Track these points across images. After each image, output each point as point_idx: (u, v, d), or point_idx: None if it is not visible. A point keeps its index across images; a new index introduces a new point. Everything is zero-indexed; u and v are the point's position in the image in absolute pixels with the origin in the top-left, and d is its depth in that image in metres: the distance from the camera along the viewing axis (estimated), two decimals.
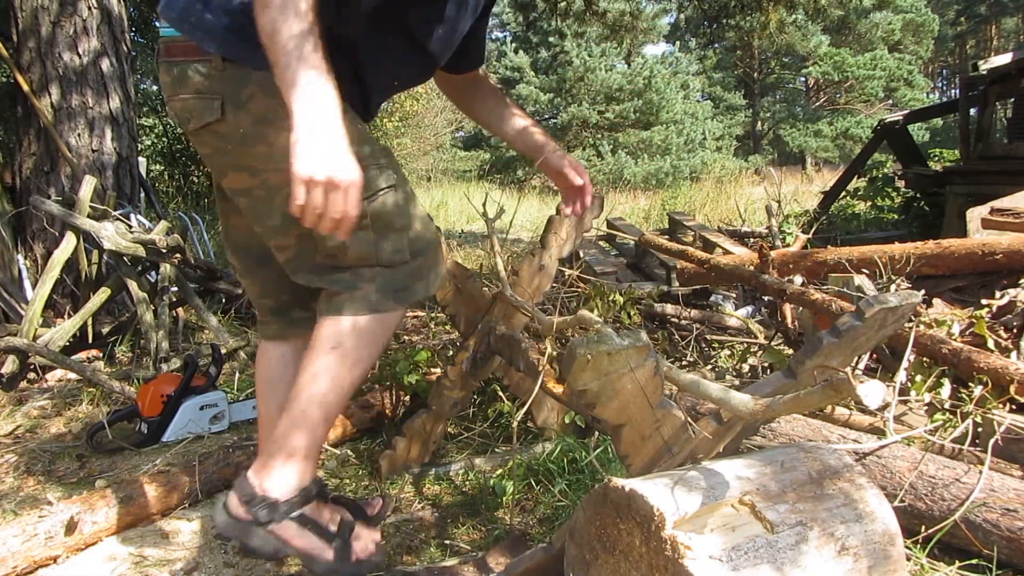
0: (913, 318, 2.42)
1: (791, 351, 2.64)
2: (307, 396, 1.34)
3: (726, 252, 4.35)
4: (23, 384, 3.01)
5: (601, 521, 1.24)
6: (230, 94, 1.28)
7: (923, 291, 2.73)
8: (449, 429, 2.36)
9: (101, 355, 3.38)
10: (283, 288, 1.57)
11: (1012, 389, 1.99)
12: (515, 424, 1.71)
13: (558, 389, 1.87)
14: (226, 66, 1.27)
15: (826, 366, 1.22)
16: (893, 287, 2.76)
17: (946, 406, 2.06)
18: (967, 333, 2.43)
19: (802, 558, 1.12)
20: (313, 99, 1.10)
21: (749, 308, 3.69)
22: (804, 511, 1.17)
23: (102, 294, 3.26)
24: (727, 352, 3.09)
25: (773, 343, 2.94)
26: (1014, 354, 2.26)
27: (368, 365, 1.41)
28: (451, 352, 2.59)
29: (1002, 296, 2.60)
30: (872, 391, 0.90)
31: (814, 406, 1.05)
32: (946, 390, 2.13)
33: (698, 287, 3.67)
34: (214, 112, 1.29)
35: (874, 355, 2.52)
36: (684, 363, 3.03)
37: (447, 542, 1.72)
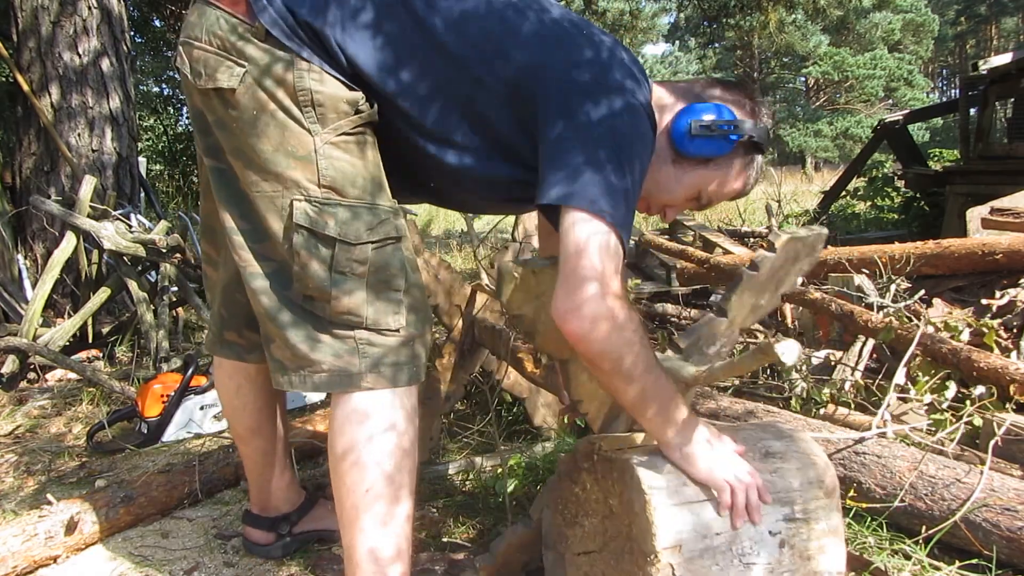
0: (918, 319, 2.42)
1: None
2: (347, 530, 1.23)
3: (726, 252, 4.34)
4: (23, 384, 3.01)
5: (563, 503, 1.33)
6: (261, 69, 1.15)
7: (923, 291, 2.73)
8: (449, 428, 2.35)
9: (101, 355, 3.38)
10: (225, 299, 1.47)
11: (1012, 389, 1.99)
12: (491, 412, 1.71)
13: (534, 370, 1.92)
14: (268, 39, 1.14)
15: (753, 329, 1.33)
16: (893, 287, 2.76)
17: (944, 406, 2.06)
18: (969, 334, 2.42)
19: None
20: (688, 423, 1.16)
21: None
22: (728, 430, 1.29)
23: (102, 294, 3.26)
24: None
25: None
26: (1014, 354, 2.26)
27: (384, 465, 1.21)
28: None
29: (1002, 296, 2.59)
30: (789, 349, 1.01)
31: (748, 369, 1.17)
32: (951, 391, 2.12)
33: (698, 287, 3.66)
34: (232, 79, 1.15)
35: (874, 354, 2.52)
36: None
37: (446, 540, 1.72)
